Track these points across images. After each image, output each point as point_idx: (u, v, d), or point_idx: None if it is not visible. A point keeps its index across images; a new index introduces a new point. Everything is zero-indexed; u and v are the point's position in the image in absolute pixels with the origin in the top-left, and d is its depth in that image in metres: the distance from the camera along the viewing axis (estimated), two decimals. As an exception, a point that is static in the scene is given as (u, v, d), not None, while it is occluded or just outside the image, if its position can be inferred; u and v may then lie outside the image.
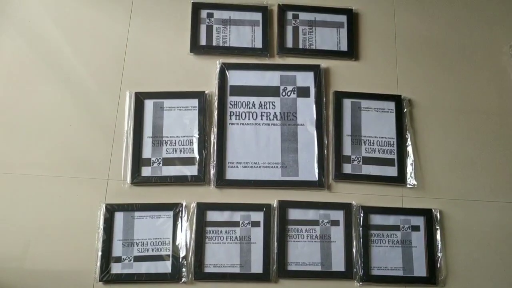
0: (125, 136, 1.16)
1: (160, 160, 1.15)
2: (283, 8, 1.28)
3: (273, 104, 1.21)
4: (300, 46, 1.26)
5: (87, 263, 1.08)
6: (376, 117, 1.21)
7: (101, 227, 1.10)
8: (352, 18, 1.29)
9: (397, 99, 1.22)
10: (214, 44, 1.25)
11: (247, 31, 1.26)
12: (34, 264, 1.08)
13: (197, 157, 1.15)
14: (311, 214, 1.14)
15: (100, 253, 1.08)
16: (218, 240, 1.11)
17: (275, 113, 1.20)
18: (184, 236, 1.10)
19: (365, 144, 1.19)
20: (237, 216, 1.13)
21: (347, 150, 1.19)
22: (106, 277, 1.07)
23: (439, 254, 1.13)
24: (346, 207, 1.14)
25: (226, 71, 1.21)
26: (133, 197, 1.13)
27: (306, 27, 1.28)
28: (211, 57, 1.23)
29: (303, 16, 1.29)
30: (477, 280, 1.13)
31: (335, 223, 1.14)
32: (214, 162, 1.15)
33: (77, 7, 1.26)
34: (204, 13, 1.27)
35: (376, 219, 1.15)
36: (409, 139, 1.20)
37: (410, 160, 1.19)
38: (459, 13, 1.33)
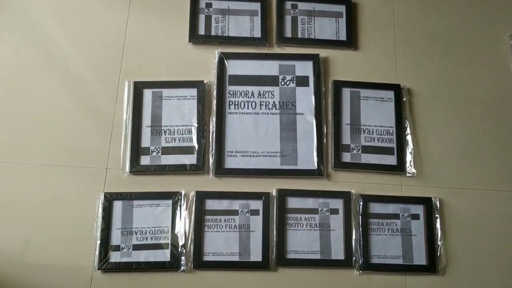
0: (123, 125, 1.16)
1: (159, 149, 1.15)
2: (281, -2, 1.28)
3: (272, 93, 1.21)
4: (299, 36, 1.26)
5: (86, 252, 1.07)
6: (375, 106, 1.21)
7: (100, 216, 1.09)
8: (351, 8, 1.29)
9: (396, 88, 1.22)
10: (213, 34, 1.24)
11: (246, 20, 1.26)
12: (32, 253, 1.07)
13: (196, 146, 1.15)
14: (310, 203, 1.14)
15: (98, 242, 1.08)
16: (217, 228, 1.11)
17: (274, 102, 1.20)
18: (183, 224, 1.10)
19: (364, 133, 1.19)
20: (236, 204, 1.12)
21: (346, 139, 1.18)
22: (104, 265, 1.06)
23: (439, 243, 1.12)
24: (345, 196, 1.14)
25: (225, 61, 1.21)
26: (132, 186, 1.13)
27: (305, 16, 1.28)
28: (210, 47, 1.23)
29: (302, 6, 1.28)
30: (477, 268, 1.12)
31: (334, 211, 1.13)
32: (213, 151, 1.15)
33: (75, -3, 1.27)
34: (203, 3, 1.26)
35: (376, 208, 1.14)
36: (408, 128, 1.20)
37: (409, 149, 1.18)
38: (458, 2, 1.33)
